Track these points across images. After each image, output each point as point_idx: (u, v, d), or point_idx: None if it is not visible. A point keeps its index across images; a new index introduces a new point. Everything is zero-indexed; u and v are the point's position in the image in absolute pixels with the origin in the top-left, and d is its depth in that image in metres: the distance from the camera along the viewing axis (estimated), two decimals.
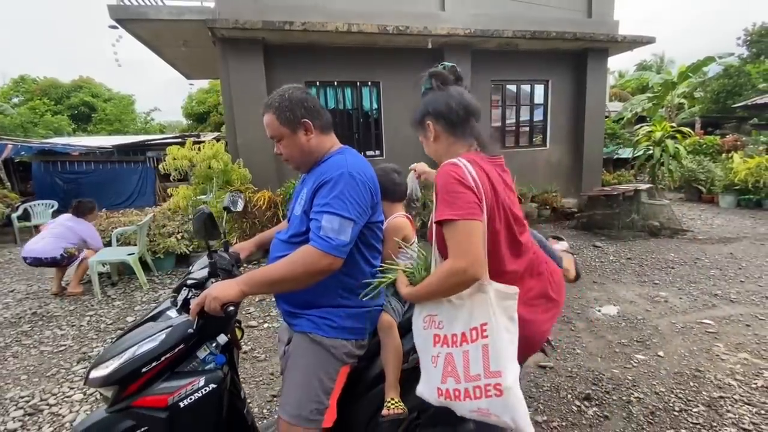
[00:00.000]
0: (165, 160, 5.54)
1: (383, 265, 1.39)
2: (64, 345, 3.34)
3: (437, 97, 1.28)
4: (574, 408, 2.33)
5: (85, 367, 2.96)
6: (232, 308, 1.17)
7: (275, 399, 2.51)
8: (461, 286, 1.10)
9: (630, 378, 2.59)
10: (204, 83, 20.87)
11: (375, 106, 7.21)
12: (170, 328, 1.27)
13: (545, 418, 2.25)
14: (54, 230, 4.46)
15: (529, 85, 8.04)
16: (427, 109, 1.30)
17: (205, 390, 1.24)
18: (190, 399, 1.22)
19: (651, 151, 8.26)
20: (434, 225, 1.18)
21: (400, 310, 1.56)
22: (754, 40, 19.19)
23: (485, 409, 1.10)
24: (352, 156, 1.35)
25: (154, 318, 1.35)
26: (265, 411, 2.41)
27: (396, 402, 1.42)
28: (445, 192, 1.12)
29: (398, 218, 1.69)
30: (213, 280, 1.38)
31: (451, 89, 1.29)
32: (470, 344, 1.11)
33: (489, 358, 1.09)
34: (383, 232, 1.54)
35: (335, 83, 6.90)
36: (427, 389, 1.22)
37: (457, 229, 1.08)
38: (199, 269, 1.48)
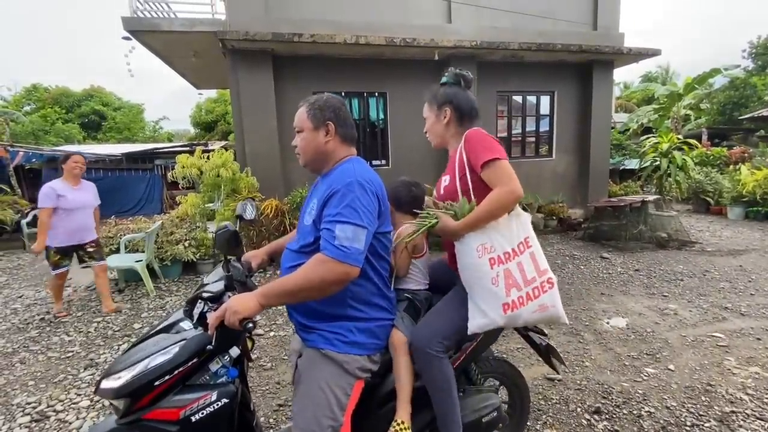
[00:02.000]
0: (174, 168, 5.61)
1: (424, 211, 1.54)
2: (72, 351, 3.35)
3: (461, 94, 1.60)
4: (584, 422, 2.29)
5: (92, 374, 2.97)
6: (251, 325, 1.17)
7: (281, 408, 2.50)
8: (511, 204, 1.37)
9: (640, 392, 2.56)
10: (212, 93, 21.23)
11: (381, 116, 7.28)
12: (184, 342, 1.24)
13: (554, 431, 2.22)
14: None
15: (535, 96, 8.08)
16: (450, 99, 1.59)
17: (218, 405, 1.21)
18: (202, 413, 1.19)
19: (658, 163, 8.23)
20: (470, 174, 1.48)
21: (411, 328, 1.53)
22: (760, 53, 19.22)
23: (544, 303, 1.39)
24: (359, 164, 1.37)
25: (166, 329, 1.33)
26: (271, 420, 2.39)
27: (405, 427, 1.40)
28: (485, 143, 1.45)
29: (409, 227, 1.70)
30: (229, 294, 1.36)
31: (468, 92, 1.61)
32: (520, 256, 1.39)
33: (537, 261, 1.40)
34: (394, 242, 1.55)
35: (342, 93, 6.96)
36: (488, 316, 1.39)
37: (501, 165, 1.39)
38: (213, 281, 1.45)
